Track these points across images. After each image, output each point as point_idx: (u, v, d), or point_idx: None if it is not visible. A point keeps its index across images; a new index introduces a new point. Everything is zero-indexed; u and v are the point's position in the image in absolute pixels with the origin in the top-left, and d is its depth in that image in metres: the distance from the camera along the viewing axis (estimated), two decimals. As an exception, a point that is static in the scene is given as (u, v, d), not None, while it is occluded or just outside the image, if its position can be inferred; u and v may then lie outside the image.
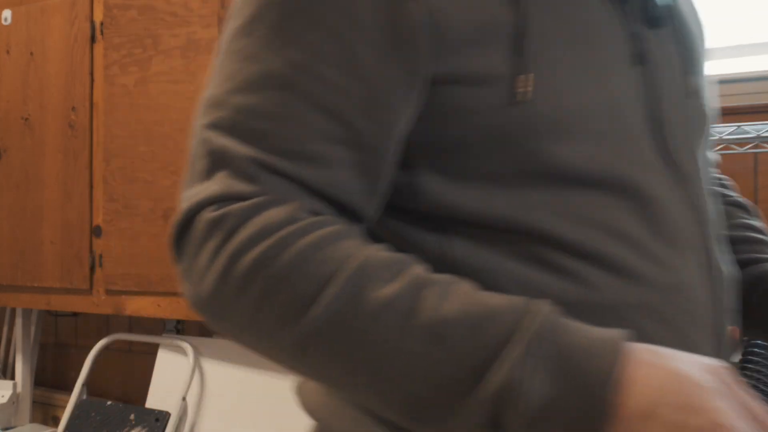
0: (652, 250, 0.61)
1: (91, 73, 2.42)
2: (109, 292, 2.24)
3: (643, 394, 0.43)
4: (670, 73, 0.69)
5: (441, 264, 0.56)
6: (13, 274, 2.43)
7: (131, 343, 2.66)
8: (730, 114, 1.87)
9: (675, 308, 0.62)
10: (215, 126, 0.56)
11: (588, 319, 0.50)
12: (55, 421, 2.71)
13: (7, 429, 2.56)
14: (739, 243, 0.87)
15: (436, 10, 0.56)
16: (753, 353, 1.49)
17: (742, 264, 0.84)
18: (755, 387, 1.47)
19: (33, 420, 2.71)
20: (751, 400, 0.46)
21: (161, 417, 2.22)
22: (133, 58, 2.32)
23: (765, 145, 1.71)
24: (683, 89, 0.70)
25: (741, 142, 1.71)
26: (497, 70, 0.57)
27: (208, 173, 0.55)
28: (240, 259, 0.51)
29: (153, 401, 2.33)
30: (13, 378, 2.68)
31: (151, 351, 2.46)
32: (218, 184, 0.54)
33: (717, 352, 0.66)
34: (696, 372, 0.44)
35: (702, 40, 0.79)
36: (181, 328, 2.47)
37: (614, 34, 0.64)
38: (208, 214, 0.53)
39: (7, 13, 2.61)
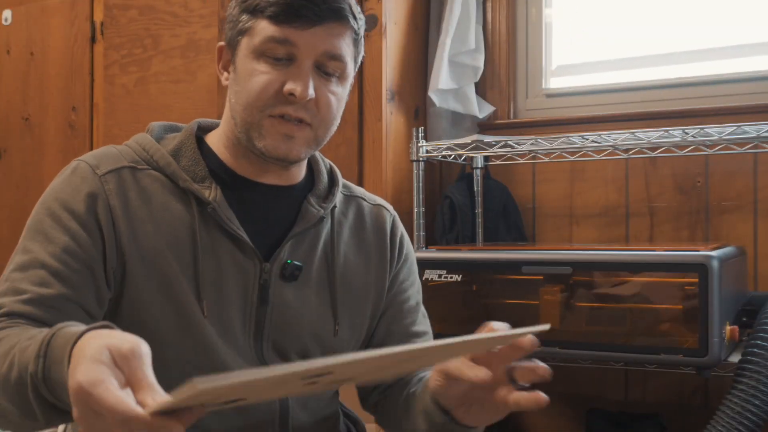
0: None
1: (91, 73, 2.42)
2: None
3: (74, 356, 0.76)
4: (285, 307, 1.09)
5: None
6: (13, 274, 2.43)
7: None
8: (730, 114, 1.87)
9: None
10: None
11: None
12: (55, 421, 2.70)
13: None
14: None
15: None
16: (753, 353, 1.49)
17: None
18: (755, 387, 1.47)
19: (33, 420, 2.70)
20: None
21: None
22: (133, 58, 2.32)
23: (765, 145, 1.71)
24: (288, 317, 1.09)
25: (741, 142, 1.71)
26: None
27: None
28: None
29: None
30: (13, 378, 2.68)
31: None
32: None
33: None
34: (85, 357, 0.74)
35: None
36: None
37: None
38: None
39: (7, 13, 2.61)
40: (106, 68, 2.36)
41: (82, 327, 0.79)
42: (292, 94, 1.01)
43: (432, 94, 2.10)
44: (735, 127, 1.66)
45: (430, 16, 2.19)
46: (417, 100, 2.15)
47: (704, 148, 1.76)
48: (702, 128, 1.70)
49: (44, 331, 0.83)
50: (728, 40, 1.98)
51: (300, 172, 1.13)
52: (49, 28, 2.51)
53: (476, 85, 2.18)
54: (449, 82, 2.10)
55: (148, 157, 1.07)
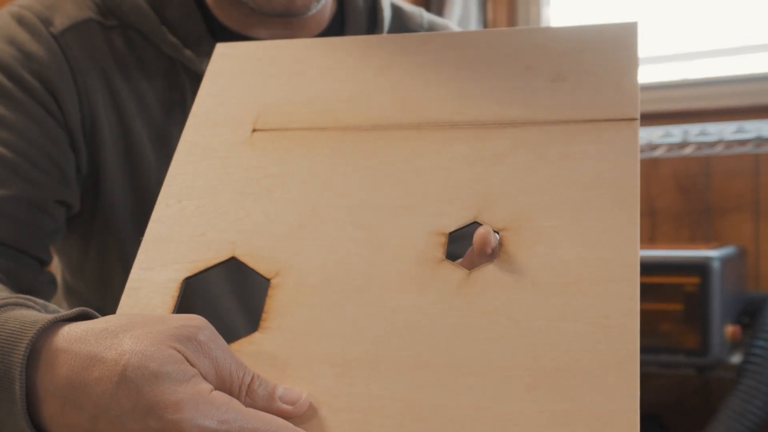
0: None
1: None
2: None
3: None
4: None
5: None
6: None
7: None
8: (730, 114, 1.86)
9: None
10: None
11: None
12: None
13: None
14: None
15: None
16: (754, 354, 1.49)
17: None
18: (756, 387, 1.46)
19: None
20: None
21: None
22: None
23: (765, 144, 1.71)
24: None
25: (741, 142, 1.71)
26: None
27: None
28: None
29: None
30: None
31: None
32: None
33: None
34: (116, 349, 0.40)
35: None
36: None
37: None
38: None
39: (5, 12, 2.60)
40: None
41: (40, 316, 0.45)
42: None
43: (432, 94, 2.09)
44: (735, 127, 1.66)
45: (430, 15, 2.19)
46: (417, 100, 2.15)
47: (705, 148, 1.76)
48: (703, 128, 1.70)
49: None
50: (728, 40, 1.98)
51: (321, 19, 0.77)
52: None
53: (476, 84, 2.18)
54: (449, 81, 2.09)
55: (113, 5, 0.72)
